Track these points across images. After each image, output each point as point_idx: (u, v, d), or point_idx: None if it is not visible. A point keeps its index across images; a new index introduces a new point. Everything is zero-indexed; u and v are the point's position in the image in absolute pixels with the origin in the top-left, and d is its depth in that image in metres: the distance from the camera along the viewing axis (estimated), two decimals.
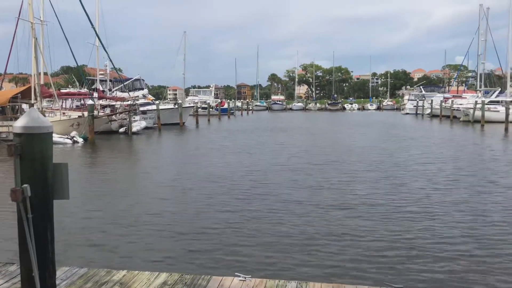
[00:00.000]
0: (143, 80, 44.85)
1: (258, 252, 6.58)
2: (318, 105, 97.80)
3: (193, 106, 47.27)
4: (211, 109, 55.18)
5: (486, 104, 40.03)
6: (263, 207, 9.19)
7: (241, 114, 71.32)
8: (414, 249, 6.71)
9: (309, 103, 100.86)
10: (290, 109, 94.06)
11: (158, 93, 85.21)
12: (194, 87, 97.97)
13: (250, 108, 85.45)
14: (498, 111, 39.07)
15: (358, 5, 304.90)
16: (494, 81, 52.64)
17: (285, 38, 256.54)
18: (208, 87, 76.97)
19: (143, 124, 31.54)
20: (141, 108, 33.90)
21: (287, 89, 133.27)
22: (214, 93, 77.57)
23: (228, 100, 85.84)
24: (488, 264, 6.07)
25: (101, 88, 35.55)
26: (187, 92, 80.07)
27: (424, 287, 5.48)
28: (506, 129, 31.78)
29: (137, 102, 32.81)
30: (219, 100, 72.17)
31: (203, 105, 57.30)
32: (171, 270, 5.00)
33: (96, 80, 35.34)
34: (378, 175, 13.24)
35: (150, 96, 47.16)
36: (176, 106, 41.76)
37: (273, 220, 8.29)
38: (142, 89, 42.48)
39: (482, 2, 53.19)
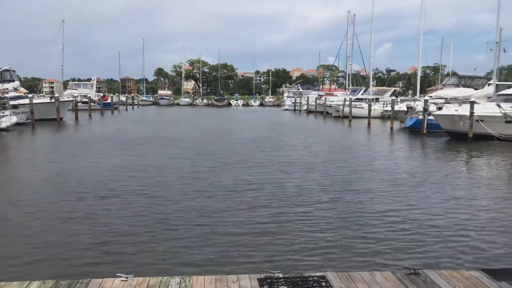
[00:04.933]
0: (14, 71, 40.86)
1: (138, 253, 6.55)
2: (205, 100, 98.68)
3: (72, 101, 44.60)
4: (93, 104, 52.59)
5: (353, 101, 44.80)
6: (140, 210, 8.96)
7: (126, 109, 68.86)
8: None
9: (197, 99, 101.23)
10: (178, 104, 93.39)
11: (32, 85, 78.04)
12: (73, 80, 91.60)
13: (136, 103, 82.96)
14: (362, 107, 43.92)
15: (243, 4, 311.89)
16: (359, 80, 58.94)
17: (172, 32, 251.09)
18: (89, 80, 72.70)
19: (14, 119, 29.04)
20: (12, 102, 31.26)
21: (175, 84, 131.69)
22: (96, 87, 73.57)
23: (112, 94, 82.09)
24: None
25: None
26: (65, 85, 74.57)
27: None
28: (369, 124, 36.17)
29: (6, 95, 30.14)
30: (102, 94, 68.75)
31: (84, 99, 54.30)
32: (44, 278, 4.66)
33: None
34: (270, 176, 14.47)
35: (22, 89, 43.06)
36: (53, 100, 39.10)
37: (154, 220, 8.27)
38: (13, 81, 38.77)
39: (350, 9, 59.07)
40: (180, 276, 4.52)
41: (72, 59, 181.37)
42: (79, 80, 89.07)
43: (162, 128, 31.30)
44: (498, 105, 20.72)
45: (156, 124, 36.65)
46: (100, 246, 6.87)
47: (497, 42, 30.14)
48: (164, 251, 6.66)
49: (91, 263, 6.19)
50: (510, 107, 20.31)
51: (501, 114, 20.56)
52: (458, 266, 5.95)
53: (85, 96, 56.85)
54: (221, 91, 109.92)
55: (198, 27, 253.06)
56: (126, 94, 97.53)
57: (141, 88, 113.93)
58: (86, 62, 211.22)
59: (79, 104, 48.17)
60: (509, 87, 27.67)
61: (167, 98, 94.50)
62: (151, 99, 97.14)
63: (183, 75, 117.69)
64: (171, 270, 5.90)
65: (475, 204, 9.72)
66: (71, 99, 45.84)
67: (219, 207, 9.18)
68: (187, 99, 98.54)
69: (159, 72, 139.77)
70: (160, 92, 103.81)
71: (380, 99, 47.62)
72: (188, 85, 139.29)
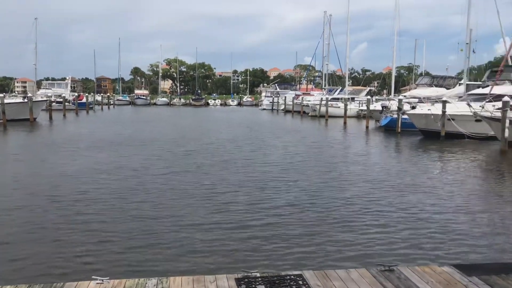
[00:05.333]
0: None
1: (113, 255, 6.50)
2: (182, 100, 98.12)
3: (46, 100, 43.65)
4: (67, 104, 51.59)
5: (329, 101, 45.30)
6: (115, 212, 8.89)
7: (102, 108, 67.82)
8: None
9: (174, 98, 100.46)
10: (155, 104, 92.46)
11: (4, 85, 76.00)
12: (47, 79, 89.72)
13: (112, 103, 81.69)
14: (338, 107, 44.49)
15: (220, 3, 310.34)
16: (336, 80, 59.66)
17: (148, 31, 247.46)
18: (63, 79, 71.18)
19: None
20: None
21: (151, 84, 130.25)
22: (71, 86, 72.21)
23: (87, 94, 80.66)
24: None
25: None
26: (39, 84, 72.91)
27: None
28: (345, 123, 36.66)
29: None
30: (77, 94, 67.51)
31: (58, 99, 53.20)
32: (17, 283, 4.58)
33: None
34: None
35: None
36: (26, 100, 38.23)
37: (127, 222, 8.33)
38: None
39: (327, 9, 59.74)
40: (157, 278, 4.48)
41: (45, 58, 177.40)
42: (53, 79, 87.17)
43: (138, 128, 30.93)
44: (469, 104, 21.31)
45: (132, 124, 36.21)
46: (74, 249, 6.75)
47: (467, 43, 31.05)
48: (140, 253, 6.60)
49: (65, 266, 6.09)
50: (480, 106, 20.91)
51: (471, 113, 21.15)
52: (431, 262, 6.11)
53: (60, 95, 55.68)
54: (199, 91, 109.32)
55: (175, 26, 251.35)
56: (102, 94, 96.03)
57: (117, 87, 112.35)
58: (60, 61, 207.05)
59: (53, 104, 47.26)
60: (478, 86, 28.54)
61: (144, 97, 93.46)
62: (128, 98, 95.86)
63: (160, 74, 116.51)
64: (147, 271, 5.84)
65: (447, 201, 9.98)
66: (45, 99, 44.91)
67: (196, 208, 9.15)
68: (164, 99, 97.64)
69: (136, 71, 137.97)
70: (136, 91, 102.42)
71: (355, 99, 48.31)
72: (165, 85, 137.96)
